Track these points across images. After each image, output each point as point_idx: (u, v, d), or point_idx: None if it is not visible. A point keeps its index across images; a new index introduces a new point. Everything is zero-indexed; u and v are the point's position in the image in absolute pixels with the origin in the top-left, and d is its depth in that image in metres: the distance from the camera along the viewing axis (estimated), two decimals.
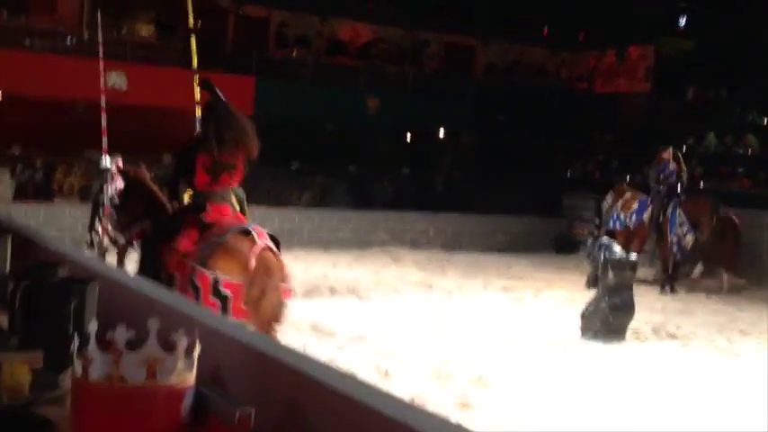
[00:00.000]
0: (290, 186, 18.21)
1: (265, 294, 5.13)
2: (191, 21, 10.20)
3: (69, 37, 16.81)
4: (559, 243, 17.92)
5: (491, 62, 24.41)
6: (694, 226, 13.30)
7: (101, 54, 10.91)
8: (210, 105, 5.45)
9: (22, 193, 15.63)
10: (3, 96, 16.48)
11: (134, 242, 6.05)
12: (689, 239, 13.27)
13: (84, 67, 14.67)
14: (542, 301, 11.67)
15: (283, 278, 5.36)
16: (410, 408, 1.41)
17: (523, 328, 9.55)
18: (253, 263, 5.07)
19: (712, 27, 19.42)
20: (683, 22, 21.66)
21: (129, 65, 17.07)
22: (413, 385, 6.83)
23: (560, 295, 12.13)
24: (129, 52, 17.39)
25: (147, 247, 5.52)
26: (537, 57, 25.11)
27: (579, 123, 21.25)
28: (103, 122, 10.45)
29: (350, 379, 1.50)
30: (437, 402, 6.30)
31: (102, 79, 10.87)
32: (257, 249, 5.13)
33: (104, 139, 10.49)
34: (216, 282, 4.68)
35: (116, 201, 9.71)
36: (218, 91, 5.48)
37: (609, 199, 14.28)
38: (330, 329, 8.89)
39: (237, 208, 9.53)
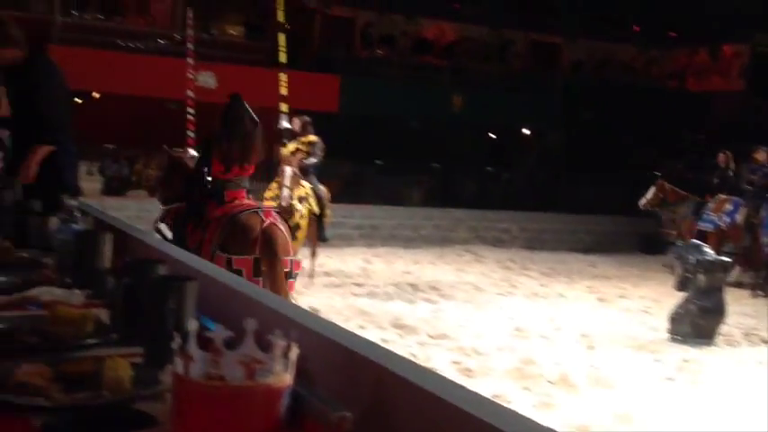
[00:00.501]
0: (372, 183, 18.30)
1: (273, 267, 5.47)
2: (281, 15, 10.38)
3: (161, 38, 17.25)
4: (647, 243, 17.54)
5: (578, 60, 24.07)
6: None
7: (189, 49, 11.35)
8: (230, 105, 5.88)
9: (110, 188, 16.15)
10: (99, 95, 17.02)
11: (169, 220, 6.31)
12: None
13: (175, 66, 15.06)
14: (629, 302, 11.45)
15: (287, 251, 5.66)
16: (495, 406, 1.41)
17: (609, 330, 9.39)
18: (259, 239, 5.47)
19: None
20: None
21: (219, 65, 17.42)
22: (495, 384, 6.80)
23: (647, 296, 11.88)
24: (218, 52, 17.75)
25: (177, 227, 6.00)
26: (626, 54, 24.65)
27: (670, 122, 20.77)
28: (190, 115, 10.78)
29: (434, 376, 1.51)
30: (519, 402, 6.26)
31: (189, 74, 11.24)
32: (263, 226, 5.50)
33: (190, 132, 10.77)
34: (229, 261, 4.99)
35: None
36: (244, 102, 5.90)
37: (649, 194, 14.04)
38: (412, 326, 8.90)
39: (315, 206, 9.70)
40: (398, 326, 8.90)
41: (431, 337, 8.52)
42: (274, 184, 10.05)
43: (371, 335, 7.89)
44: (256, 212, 5.63)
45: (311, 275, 10.84)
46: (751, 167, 13.27)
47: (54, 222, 3.01)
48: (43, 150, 4.94)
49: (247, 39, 19.15)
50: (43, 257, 3.06)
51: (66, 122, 5.15)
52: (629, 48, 24.46)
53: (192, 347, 1.39)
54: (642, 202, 14.17)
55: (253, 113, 5.88)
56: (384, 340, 7.85)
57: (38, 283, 2.61)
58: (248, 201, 5.91)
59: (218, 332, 1.41)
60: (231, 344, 1.44)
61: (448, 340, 8.41)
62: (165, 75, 14.87)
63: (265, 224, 5.55)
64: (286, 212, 9.45)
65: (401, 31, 21.57)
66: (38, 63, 5.03)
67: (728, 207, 13.32)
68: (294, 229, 9.55)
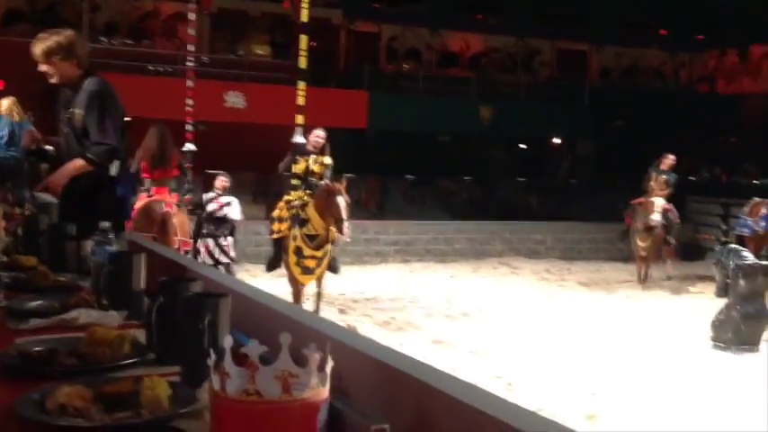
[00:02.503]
0: (404, 198, 18.28)
1: (166, 243, 7.61)
2: (304, 15, 10.05)
3: (189, 61, 17.39)
4: (685, 250, 17.29)
5: (606, 66, 23.95)
6: None
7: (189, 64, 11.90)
8: (157, 128, 8.64)
9: None
10: (129, 119, 17.24)
11: None
12: None
13: (203, 88, 15.15)
14: (669, 310, 11.29)
15: (179, 233, 8.32)
16: (538, 418, 1.38)
17: (650, 338, 9.27)
18: (157, 222, 8.04)
19: None
20: None
21: (246, 84, 17.53)
22: (537, 397, 6.72)
23: (688, 303, 11.72)
24: (245, 72, 17.86)
25: None
26: (654, 59, 24.48)
27: (702, 126, 20.53)
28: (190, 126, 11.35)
29: (475, 389, 1.48)
30: (563, 414, 6.18)
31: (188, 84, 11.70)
32: (162, 213, 8.11)
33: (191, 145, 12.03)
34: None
35: (215, 215, 9.90)
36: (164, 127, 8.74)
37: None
38: (450, 341, 8.86)
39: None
40: (437, 341, 8.85)
41: (470, 351, 8.46)
42: (283, 204, 9.32)
43: (410, 351, 7.80)
44: (161, 203, 8.21)
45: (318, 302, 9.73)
46: None
47: (89, 245, 3.01)
48: (78, 165, 4.59)
49: (274, 58, 19.28)
50: (80, 280, 3.08)
51: (123, 149, 4.79)
52: (657, 52, 24.28)
53: (228, 364, 1.37)
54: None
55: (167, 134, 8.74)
56: (424, 357, 7.79)
57: (75, 305, 2.62)
58: (168, 196, 8.45)
59: (254, 347, 1.39)
60: (267, 359, 1.42)
61: (487, 354, 8.35)
62: (194, 97, 14.97)
63: (163, 211, 8.16)
64: (323, 242, 8.83)
65: (426, 44, 21.59)
66: (91, 82, 4.63)
67: (764, 211, 13.07)
68: (325, 256, 9.15)
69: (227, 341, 1.43)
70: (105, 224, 2.86)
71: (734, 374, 7.87)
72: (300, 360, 1.39)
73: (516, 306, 11.21)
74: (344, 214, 8.63)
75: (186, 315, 1.81)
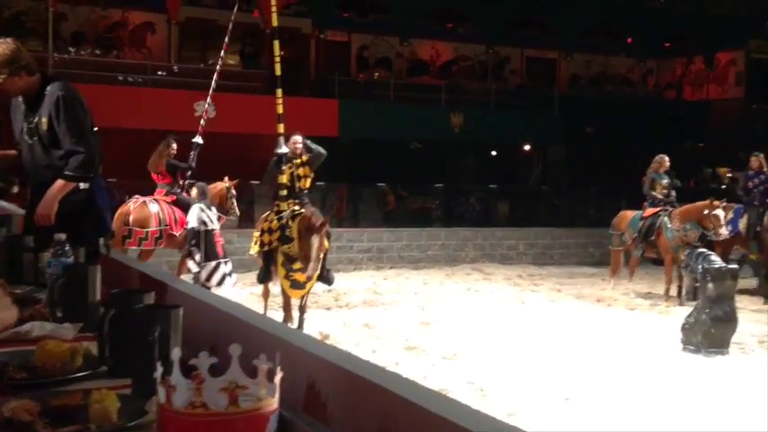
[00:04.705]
0: (377, 206, 18.27)
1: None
2: (275, 20, 9.51)
3: (158, 70, 17.31)
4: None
5: (575, 74, 24.15)
6: None
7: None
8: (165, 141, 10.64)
9: None
10: (96, 129, 17.10)
11: None
12: None
13: (172, 98, 15.07)
14: (639, 314, 11.35)
15: (132, 223, 10.34)
16: (505, 426, 1.37)
17: (621, 342, 9.30)
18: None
19: None
20: None
21: (216, 94, 17.42)
22: (509, 403, 6.72)
23: (658, 308, 11.78)
24: (216, 82, 17.76)
25: None
26: (622, 67, 24.73)
27: (669, 132, 20.74)
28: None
29: (442, 397, 1.46)
30: (535, 421, 6.18)
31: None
32: (133, 205, 10.34)
33: None
34: None
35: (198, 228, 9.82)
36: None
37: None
38: (423, 348, 8.84)
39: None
40: (410, 348, 8.83)
41: (443, 357, 8.44)
42: (273, 215, 9.01)
43: (383, 358, 7.82)
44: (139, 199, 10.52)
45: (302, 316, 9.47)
46: (747, 175, 13.19)
47: (46, 257, 2.96)
48: (60, 185, 4.20)
49: (244, 68, 19.22)
50: (37, 293, 3.03)
51: (100, 155, 4.35)
52: (625, 60, 24.54)
53: (176, 376, 1.34)
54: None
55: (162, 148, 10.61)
56: (396, 363, 7.79)
57: (30, 318, 2.57)
58: (163, 197, 10.62)
59: (203, 359, 1.36)
60: (218, 370, 1.39)
61: (460, 360, 8.34)
62: (164, 106, 14.90)
63: (132, 205, 10.51)
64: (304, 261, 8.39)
65: (397, 52, 21.65)
66: (56, 87, 4.21)
67: (730, 215, 13.15)
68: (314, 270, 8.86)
69: (176, 353, 1.40)
70: (61, 236, 2.80)
71: (704, 377, 7.91)
72: (252, 371, 1.37)
73: (489, 312, 11.22)
74: (314, 254, 8.29)
75: (137, 327, 1.77)
